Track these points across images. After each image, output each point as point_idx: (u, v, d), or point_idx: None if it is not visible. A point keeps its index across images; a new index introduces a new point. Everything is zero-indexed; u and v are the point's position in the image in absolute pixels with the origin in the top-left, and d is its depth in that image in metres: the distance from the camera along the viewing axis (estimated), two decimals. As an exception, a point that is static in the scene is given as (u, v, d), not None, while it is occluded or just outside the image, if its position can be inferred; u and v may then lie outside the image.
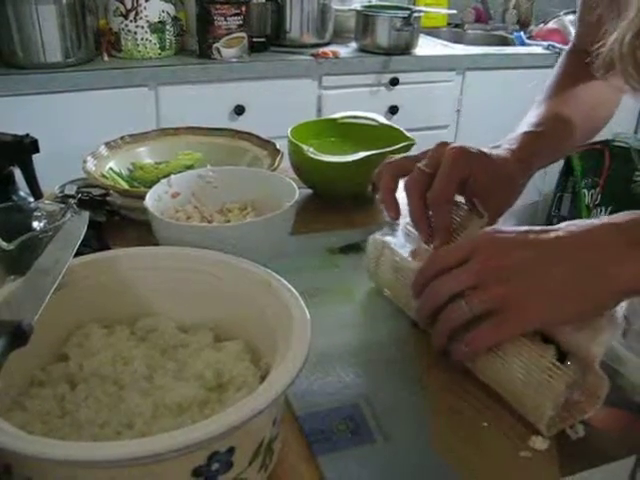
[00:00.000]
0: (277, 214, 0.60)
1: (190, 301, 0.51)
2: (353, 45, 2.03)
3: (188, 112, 1.63)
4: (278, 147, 0.83)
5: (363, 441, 0.46)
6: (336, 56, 1.88)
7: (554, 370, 0.45)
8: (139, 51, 1.75)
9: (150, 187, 0.65)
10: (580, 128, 0.70)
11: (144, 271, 0.51)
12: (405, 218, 0.61)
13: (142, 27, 1.73)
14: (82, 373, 0.45)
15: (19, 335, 0.37)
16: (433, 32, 2.31)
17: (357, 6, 2.05)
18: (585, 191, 2.23)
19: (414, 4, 2.34)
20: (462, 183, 0.57)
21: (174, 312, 0.51)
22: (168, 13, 1.77)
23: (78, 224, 0.52)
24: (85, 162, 0.77)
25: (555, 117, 0.68)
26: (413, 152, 0.63)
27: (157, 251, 0.54)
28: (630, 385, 0.52)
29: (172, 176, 0.67)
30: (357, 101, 1.88)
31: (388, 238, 0.62)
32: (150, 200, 0.62)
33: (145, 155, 0.85)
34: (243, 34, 1.80)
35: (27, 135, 0.71)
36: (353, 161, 0.79)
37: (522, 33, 2.30)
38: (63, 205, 0.62)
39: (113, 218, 0.76)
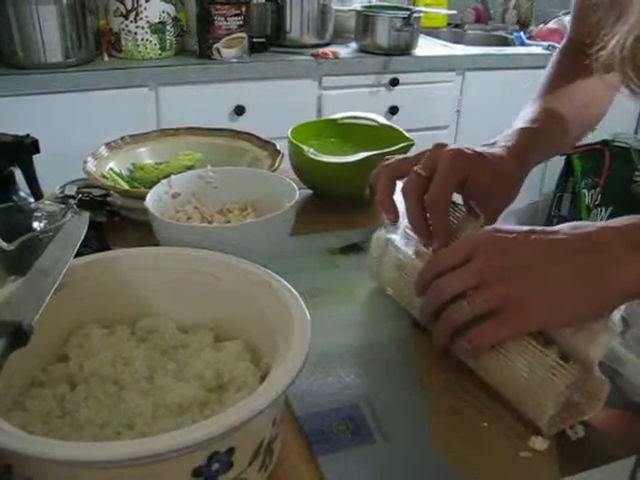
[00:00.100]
0: (277, 215, 0.60)
1: (190, 301, 0.51)
2: (353, 45, 2.03)
3: (188, 112, 1.63)
4: (278, 148, 0.83)
5: (363, 441, 0.46)
6: (336, 56, 1.88)
7: (557, 368, 0.45)
8: (139, 51, 1.75)
9: (150, 188, 0.65)
10: (573, 125, 0.70)
11: (144, 271, 0.51)
12: (404, 220, 0.61)
13: (142, 27, 1.73)
14: (82, 373, 0.45)
15: (19, 335, 0.37)
16: (433, 32, 2.31)
17: (357, 6, 2.06)
18: (585, 191, 2.23)
19: (414, 4, 2.34)
20: (460, 185, 0.57)
21: (174, 312, 0.51)
22: (168, 13, 1.77)
23: (78, 224, 0.52)
24: (85, 162, 0.77)
25: (549, 114, 0.68)
26: (413, 153, 0.63)
27: (157, 252, 0.54)
28: (630, 386, 0.52)
29: (172, 176, 0.67)
30: (357, 101, 1.89)
31: (392, 236, 0.62)
32: (150, 200, 0.62)
33: (145, 155, 0.85)
34: (243, 34, 1.80)
35: (27, 135, 0.71)
36: (353, 162, 0.79)
37: (522, 33, 2.30)
38: (63, 205, 0.62)
39: (113, 218, 0.76)
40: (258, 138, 0.87)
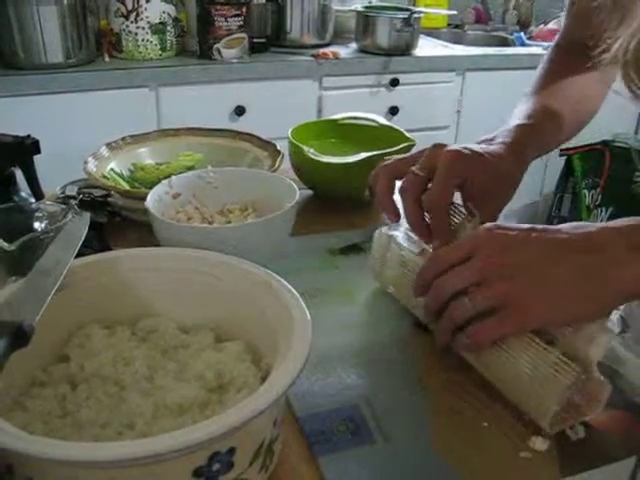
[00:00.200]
0: (277, 215, 0.60)
1: (191, 302, 0.51)
2: (353, 46, 2.03)
3: (189, 113, 1.63)
4: (279, 148, 0.83)
5: (363, 442, 0.46)
6: (336, 57, 1.88)
7: (561, 365, 0.45)
8: (140, 52, 1.76)
9: (151, 188, 0.65)
10: (568, 122, 0.70)
11: (145, 272, 0.51)
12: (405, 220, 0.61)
13: (143, 28, 1.74)
14: (83, 374, 0.45)
15: (20, 336, 0.37)
16: (433, 33, 2.31)
17: (357, 7, 2.05)
18: (585, 192, 2.23)
19: (414, 5, 2.34)
20: (459, 185, 0.57)
21: (175, 313, 0.51)
22: (169, 14, 1.77)
23: (79, 225, 0.52)
24: (86, 163, 0.77)
25: (544, 111, 0.69)
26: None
27: (158, 252, 0.54)
28: (630, 386, 0.52)
29: (173, 177, 0.68)
30: (357, 102, 1.89)
31: (394, 233, 0.62)
32: (151, 201, 0.62)
33: (146, 156, 0.86)
34: (244, 35, 1.80)
35: (28, 136, 0.71)
36: (353, 162, 0.79)
37: (522, 34, 2.30)
38: (64, 206, 0.62)
39: (114, 219, 0.76)
40: (258, 138, 0.87)
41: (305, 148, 0.82)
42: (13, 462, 0.36)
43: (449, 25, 2.48)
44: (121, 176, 0.81)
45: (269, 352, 0.44)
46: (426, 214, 0.58)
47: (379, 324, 0.61)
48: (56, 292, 0.42)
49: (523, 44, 2.25)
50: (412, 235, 0.60)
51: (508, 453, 0.46)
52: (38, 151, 0.71)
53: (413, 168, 0.58)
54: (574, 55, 0.74)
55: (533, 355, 0.47)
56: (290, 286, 0.47)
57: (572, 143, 2.16)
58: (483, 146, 0.62)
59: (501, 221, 0.62)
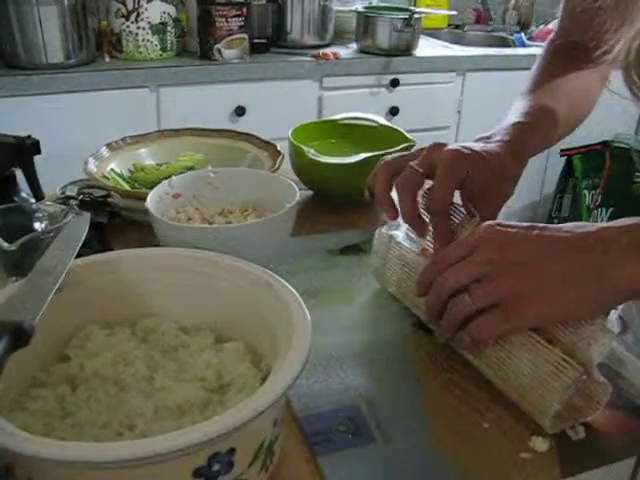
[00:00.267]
0: (278, 215, 0.60)
1: (191, 302, 0.51)
2: (354, 46, 2.03)
3: (189, 113, 1.64)
4: (279, 148, 0.83)
5: (363, 442, 0.46)
6: (337, 57, 1.88)
7: (562, 364, 0.45)
8: (140, 52, 1.76)
9: (151, 188, 0.65)
10: (563, 119, 0.71)
11: (145, 272, 0.51)
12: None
13: (143, 28, 1.74)
14: (83, 374, 0.45)
15: (20, 336, 0.38)
16: (433, 33, 2.31)
17: (358, 7, 2.06)
18: (585, 192, 2.24)
19: (414, 5, 2.34)
20: (459, 185, 0.58)
21: (175, 313, 0.51)
22: (169, 14, 1.77)
23: (79, 225, 0.52)
24: (86, 163, 0.77)
25: (541, 108, 0.69)
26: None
27: (158, 252, 0.54)
28: (630, 387, 0.52)
29: (173, 177, 0.68)
30: (358, 102, 1.89)
31: (395, 232, 0.62)
32: (151, 201, 0.62)
33: (146, 156, 0.86)
34: (244, 35, 1.80)
35: (29, 136, 0.71)
36: (354, 162, 0.79)
37: (522, 34, 2.30)
38: (64, 206, 0.62)
39: (114, 219, 0.76)
40: (259, 139, 0.87)
41: (305, 148, 0.82)
42: (13, 462, 0.36)
43: (449, 25, 2.48)
44: (121, 176, 0.81)
45: (269, 352, 0.44)
46: (423, 211, 0.58)
47: (379, 324, 0.61)
48: (56, 292, 0.42)
49: (523, 44, 2.25)
50: (412, 235, 0.60)
51: (508, 454, 0.46)
52: (38, 151, 0.71)
53: (411, 163, 0.58)
54: (569, 53, 0.74)
55: (534, 354, 0.47)
56: (290, 286, 0.47)
57: (572, 143, 2.17)
58: (481, 144, 0.62)
59: (502, 216, 0.62)
